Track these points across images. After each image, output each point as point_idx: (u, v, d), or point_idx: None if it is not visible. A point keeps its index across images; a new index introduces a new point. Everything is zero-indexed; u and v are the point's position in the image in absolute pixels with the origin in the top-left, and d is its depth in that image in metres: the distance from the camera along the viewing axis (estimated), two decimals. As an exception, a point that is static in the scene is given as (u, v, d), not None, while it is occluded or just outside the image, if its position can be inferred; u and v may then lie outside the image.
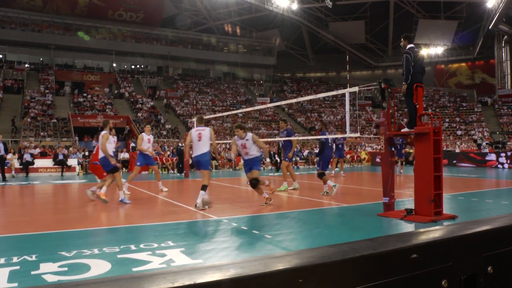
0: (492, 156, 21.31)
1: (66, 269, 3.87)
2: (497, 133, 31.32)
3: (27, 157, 17.87)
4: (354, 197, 9.67)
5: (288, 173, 10.67)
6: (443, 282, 1.22)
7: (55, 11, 38.54)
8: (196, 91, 40.28)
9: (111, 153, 8.35)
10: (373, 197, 8.90)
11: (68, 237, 5.48)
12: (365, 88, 8.13)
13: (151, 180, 15.43)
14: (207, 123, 33.06)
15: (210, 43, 45.82)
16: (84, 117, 29.07)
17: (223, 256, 4.38)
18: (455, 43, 46.03)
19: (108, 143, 8.23)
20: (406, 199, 8.59)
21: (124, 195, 8.47)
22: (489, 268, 1.33)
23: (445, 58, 46.78)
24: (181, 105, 36.56)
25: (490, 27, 36.19)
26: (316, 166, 10.11)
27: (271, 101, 37.28)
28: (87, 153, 20.03)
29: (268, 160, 22.91)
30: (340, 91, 10.31)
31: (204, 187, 7.57)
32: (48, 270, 3.84)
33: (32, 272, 3.78)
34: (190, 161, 17.07)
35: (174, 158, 19.95)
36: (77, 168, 18.95)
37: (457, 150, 26.65)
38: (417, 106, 6.50)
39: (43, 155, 19.51)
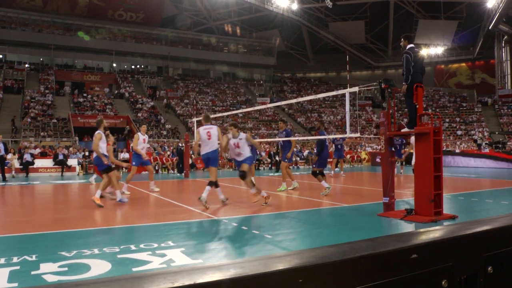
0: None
1: (66, 269, 3.87)
2: (496, 133, 31.33)
3: (27, 157, 17.87)
4: (354, 197, 9.67)
5: (287, 173, 10.70)
6: (443, 282, 1.22)
7: (55, 11, 38.54)
8: (196, 91, 40.28)
9: (105, 153, 8.31)
10: (373, 197, 8.90)
11: (68, 237, 5.48)
12: (365, 88, 8.14)
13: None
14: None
15: (210, 43, 45.82)
16: (84, 117, 29.06)
17: (223, 256, 4.38)
18: (455, 43, 46.03)
19: (101, 142, 8.20)
20: (406, 199, 8.60)
21: (121, 195, 8.42)
22: (489, 268, 1.33)
23: (445, 58, 46.78)
24: (181, 105, 36.56)
25: (490, 27, 36.19)
26: (313, 164, 10.08)
27: (271, 101, 37.29)
28: (87, 153, 20.02)
29: (267, 159, 22.90)
30: (340, 91, 10.31)
31: (211, 183, 7.78)
32: (48, 270, 3.84)
33: (32, 272, 3.78)
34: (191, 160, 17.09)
35: (174, 158, 19.94)
36: (77, 168, 18.96)
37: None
38: (417, 106, 6.51)
39: (43, 155, 19.51)
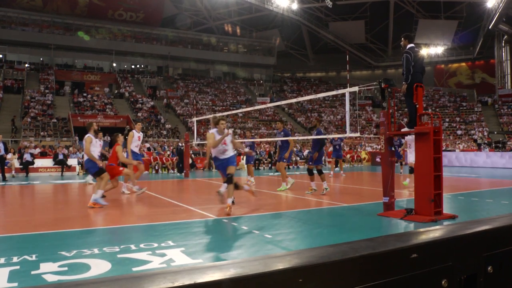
0: None
1: (66, 269, 3.88)
2: (495, 132, 31.35)
3: (27, 157, 17.87)
4: (354, 197, 9.67)
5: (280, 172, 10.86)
6: (443, 282, 1.22)
7: (55, 11, 38.53)
8: (196, 91, 40.28)
9: (96, 156, 8.22)
10: (373, 197, 8.90)
11: (68, 237, 5.48)
12: (365, 88, 8.13)
13: (150, 180, 15.44)
14: (207, 123, 33.11)
15: (210, 43, 45.81)
16: (84, 117, 29.06)
17: (223, 256, 4.38)
18: (455, 43, 46.02)
19: (92, 146, 8.13)
20: (406, 199, 8.60)
21: (101, 199, 7.98)
22: (489, 268, 1.33)
23: (445, 58, 46.77)
24: (181, 105, 36.57)
25: (490, 27, 36.19)
26: (308, 161, 10.10)
27: (271, 101, 37.27)
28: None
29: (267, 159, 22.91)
30: (340, 91, 10.30)
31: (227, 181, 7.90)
32: (48, 270, 3.84)
33: (32, 272, 3.78)
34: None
35: (174, 158, 19.94)
36: (77, 168, 18.95)
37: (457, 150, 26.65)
38: (417, 106, 6.51)
39: (43, 155, 19.51)
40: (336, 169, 17.15)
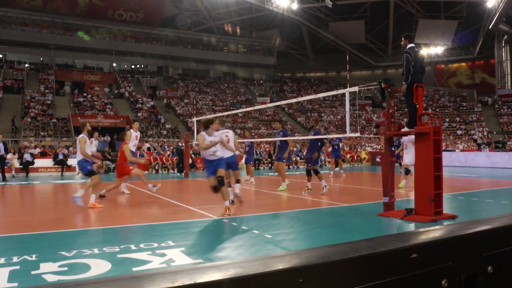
0: None
1: (66, 269, 3.88)
2: (494, 132, 31.36)
3: (27, 157, 17.88)
4: (354, 197, 9.67)
5: (277, 172, 10.92)
6: (443, 282, 1.22)
7: (55, 11, 38.52)
8: (196, 91, 40.28)
9: (90, 154, 8.17)
10: (373, 197, 8.90)
11: (68, 237, 5.49)
12: (365, 88, 8.13)
13: (150, 180, 15.41)
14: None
15: (210, 43, 45.81)
16: (84, 117, 29.04)
17: (223, 256, 4.38)
18: (455, 43, 46.02)
19: (86, 147, 8.11)
20: (406, 199, 8.60)
21: (80, 195, 7.88)
22: (489, 268, 1.33)
23: (445, 58, 46.77)
24: (181, 105, 36.56)
25: (490, 27, 36.18)
26: (307, 163, 10.14)
27: (271, 101, 37.27)
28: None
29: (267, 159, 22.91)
30: (340, 91, 10.30)
31: (238, 181, 8.35)
32: (48, 270, 3.84)
33: (32, 272, 3.78)
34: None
35: (174, 158, 19.94)
36: (77, 168, 18.93)
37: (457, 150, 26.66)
38: (417, 106, 6.51)
39: (43, 155, 19.51)
40: (336, 169, 17.15)
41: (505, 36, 39.47)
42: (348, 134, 7.39)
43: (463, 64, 48.62)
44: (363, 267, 1.10)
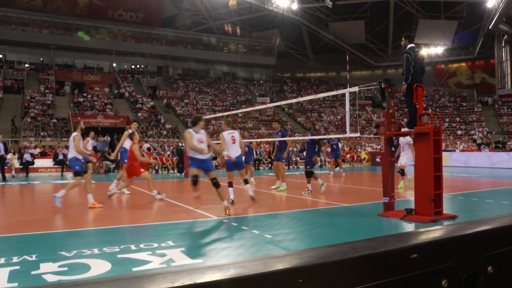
0: None
1: (66, 269, 3.88)
2: (494, 133, 31.36)
3: (27, 157, 17.87)
4: (354, 197, 9.67)
5: (274, 172, 11.01)
6: (443, 282, 1.22)
7: (55, 11, 38.52)
8: (196, 91, 40.29)
9: (80, 156, 8.11)
10: (373, 197, 8.90)
11: (68, 237, 5.49)
12: (365, 88, 8.14)
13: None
14: (207, 123, 33.13)
15: (210, 43, 45.80)
16: (84, 117, 29.04)
17: (223, 256, 4.38)
18: (455, 43, 46.02)
19: (81, 144, 8.09)
20: (406, 199, 8.60)
21: (59, 201, 7.76)
22: (489, 268, 1.33)
23: (445, 58, 46.77)
24: (181, 105, 36.56)
25: (490, 27, 36.18)
26: (305, 165, 10.20)
27: (271, 101, 37.27)
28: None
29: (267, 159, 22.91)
30: (340, 91, 10.32)
31: (246, 181, 8.63)
32: (48, 270, 3.84)
33: (32, 272, 3.78)
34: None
35: (174, 158, 19.94)
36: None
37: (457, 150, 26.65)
38: (417, 106, 6.51)
39: (43, 155, 19.52)
40: (336, 169, 17.15)
41: (505, 36, 39.47)
42: (348, 134, 7.40)
43: (463, 64, 48.62)
44: (363, 267, 1.10)
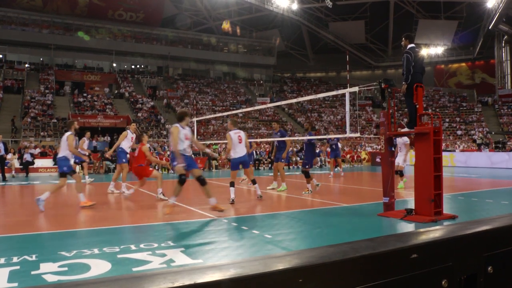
0: None
1: (66, 269, 3.88)
2: (493, 133, 31.37)
3: (27, 157, 17.87)
4: (354, 197, 9.67)
5: (273, 173, 11.08)
6: (443, 282, 1.22)
7: (55, 11, 38.53)
8: (196, 91, 40.28)
9: (71, 156, 8.07)
10: (373, 197, 8.90)
11: (68, 237, 5.48)
12: (365, 88, 8.14)
13: (150, 180, 15.41)
14: (206, 123, 33.15)
15: (210, 43, 45.80)
16: (84, 117, 29.05)
17: (223, 256, 4.38)
18: (455, 43, 46.02)
19: (75, 144, 8.10)
20: (406, 199, 8.60)
21: (42, 205, 7.61)
22: (489, 268, 1.33)
23: (445, 58, 46.77)
24: (181, 105, 36.54)
25: (490, 27, 36.18)
26: (304, 165, 10.20)
27: (271, 101, 37.28)
28: (87, 153, 20.00)
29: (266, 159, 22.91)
30: (340, 91, 10.32)
31: (254, 181, 8.66)
32: (48, 270, 3.84)
33: (32, 272, 3.78)
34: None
35: (174, 158, 19.92)
36: (77, 168, 18.91)
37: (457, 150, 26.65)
38: (417, 106, 6.51)
39: (43, 155, 19.52)
40: (336, 169, 17.15)
41: (505, 36, 39.46)
42: (348, 135, 7.40)
43: (463, 64, 48.62)
44: (363, 267, 1.10)
